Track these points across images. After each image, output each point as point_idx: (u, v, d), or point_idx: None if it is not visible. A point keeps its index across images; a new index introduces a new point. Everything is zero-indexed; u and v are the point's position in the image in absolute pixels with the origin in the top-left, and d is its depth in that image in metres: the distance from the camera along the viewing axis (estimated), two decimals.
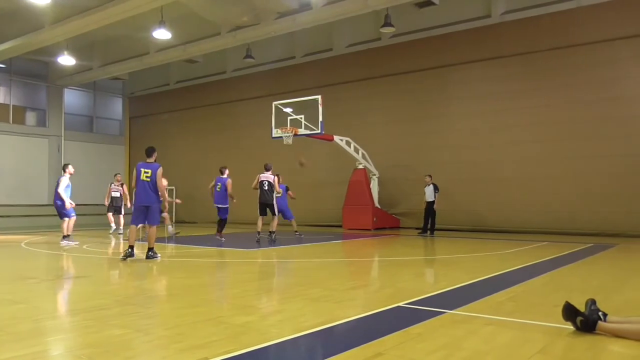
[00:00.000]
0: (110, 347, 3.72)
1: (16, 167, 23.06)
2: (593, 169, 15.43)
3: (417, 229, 17.96)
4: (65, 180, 12.46)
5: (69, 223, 12.58)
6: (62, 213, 12.54)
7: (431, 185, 15.52)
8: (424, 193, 15.67)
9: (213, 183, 13.28)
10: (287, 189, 14.48)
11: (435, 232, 15.70)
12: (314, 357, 3.79)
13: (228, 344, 3.76)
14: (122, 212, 15.93)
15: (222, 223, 13.20)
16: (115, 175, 16.63)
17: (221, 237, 13.01)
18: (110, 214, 15.82)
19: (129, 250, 9.03)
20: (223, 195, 12.98)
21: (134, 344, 3.87)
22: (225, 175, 13.15)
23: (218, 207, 13.14)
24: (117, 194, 15.91)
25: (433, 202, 15.45)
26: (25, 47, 19.47)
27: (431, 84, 18.53)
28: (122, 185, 16.20)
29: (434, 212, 15.52)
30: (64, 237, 12.49)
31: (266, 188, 12.76)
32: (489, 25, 17.32)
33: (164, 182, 10.21)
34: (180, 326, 4.38)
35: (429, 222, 15.61)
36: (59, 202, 12.50)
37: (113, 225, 15.69)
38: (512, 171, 16.70)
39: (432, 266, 9.11)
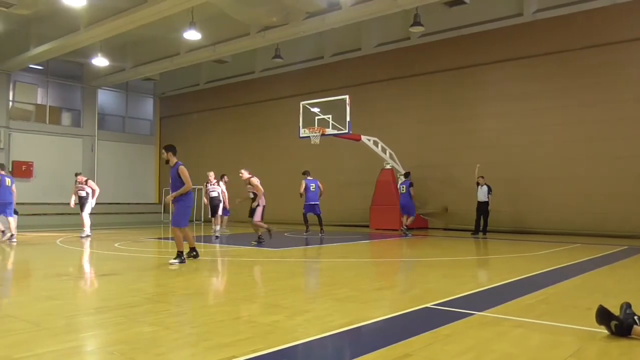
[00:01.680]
0: (140, 344, 3.79)
1: (52, 167, 23.65)
2: (627, 170, 14.99)
3: (446, 229, 17.81)
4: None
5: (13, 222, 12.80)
6: (14, 210, 12.78)
7: (485, 187, 15.47)
8: (476, 193, 15.62)
9: (304, 185, 14.80)
10: (410, 185, 15.67)
11: (487, 232, 15.57)
12: (341, 357, 3.79)
13: (255, 342, 3.78)
14: (88, 211, 14.32)
15: (319, 220, 14.86)
16: (77, 174, 14.87)
17: (323, 232, 14.66)
18: (83, 215, 14.34)
19: (193, 252, 9.07)
20: (317, 194, 14.92)
21: (163, 341, 3.93)
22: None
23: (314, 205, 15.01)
24: (84, 193, 14.26)
25: (486, 202, 15.44)
26: (62, 49, 19.95)
27: (460, 83, 18.29)
28: (86, 182, 14.42)
29: (487, 212, 15.50)
30: (12, 235, 12.69)
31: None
32: (519, 24, 16.99)
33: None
34: (208, 324, 4.43)
35: (480, 223, 15.56)
36: (10, 201, 12.64)
37: (86, 229, 14.28)
38: (543, 172, 16.36)
39: (461, 267, 8.98)
